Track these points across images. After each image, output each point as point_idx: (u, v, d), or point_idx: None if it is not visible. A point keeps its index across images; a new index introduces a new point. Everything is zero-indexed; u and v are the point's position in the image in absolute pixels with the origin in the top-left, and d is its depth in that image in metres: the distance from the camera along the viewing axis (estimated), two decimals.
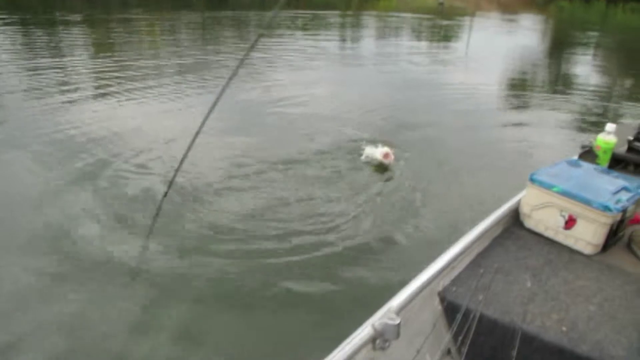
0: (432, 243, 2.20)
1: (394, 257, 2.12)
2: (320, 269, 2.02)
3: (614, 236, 1.36)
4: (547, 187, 1.38)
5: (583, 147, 1.79)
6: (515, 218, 1.47)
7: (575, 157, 1.77)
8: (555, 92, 6.01)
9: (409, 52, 8.38)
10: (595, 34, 12.70)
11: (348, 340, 0.92)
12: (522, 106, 5.21)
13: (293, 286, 1.92)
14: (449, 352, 1.14)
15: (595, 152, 1.70)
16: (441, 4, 23.45)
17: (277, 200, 2.57)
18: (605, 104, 5.67)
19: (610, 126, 1.70)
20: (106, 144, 3.26)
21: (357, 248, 2.17)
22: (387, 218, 2.45)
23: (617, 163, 1.77)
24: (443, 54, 8.43)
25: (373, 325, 0.95)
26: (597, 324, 1.09)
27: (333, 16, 13.48)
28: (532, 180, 1.41)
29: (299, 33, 9.97)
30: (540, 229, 1.42)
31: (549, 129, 4.30)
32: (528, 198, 1.43)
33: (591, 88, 6.57)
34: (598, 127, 4.23)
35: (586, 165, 1.51)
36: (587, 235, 1.33)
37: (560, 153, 2.86)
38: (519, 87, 6.49)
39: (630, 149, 1.77)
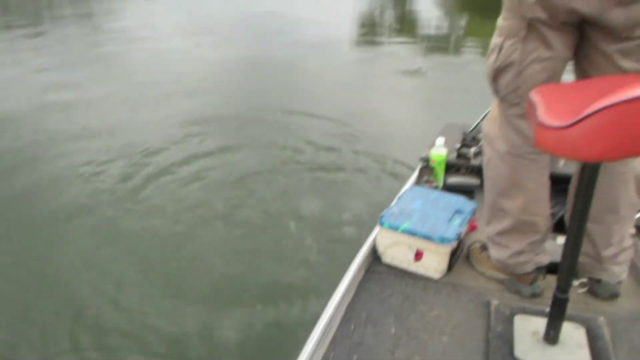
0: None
1: None
2: None
3: (455, 255, 1.59)
4: (394, 228, 1.55)
5: (422, 159, 2.01)
6: (374, 255, 1.64)
7: (417, 172, 2.00)
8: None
9: None
10: None
11: None
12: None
13: None
14: None
15: (431, 165, 1.93)
16: None
17: None
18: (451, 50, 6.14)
19: (439, 140, 1.93)
20: None
21: None
22: None
23: (451, 167, 2.01)
24: None
25: None
26: (451, 357, 1.29)
27: None
28: (381, 223, 1.57)
29: None
30: (395, 262, 1.61)
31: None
32: (380, 239, 1.60)
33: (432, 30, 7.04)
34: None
35: (424, 193, 1.72)
36: (433, 264, 1.54)
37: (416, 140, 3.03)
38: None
39: (459, 155, 2.03)
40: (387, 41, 6.62)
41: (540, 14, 1.21)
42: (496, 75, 1.34)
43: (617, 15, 1.15)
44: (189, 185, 2.95)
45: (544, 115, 1.00)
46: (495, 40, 1.33)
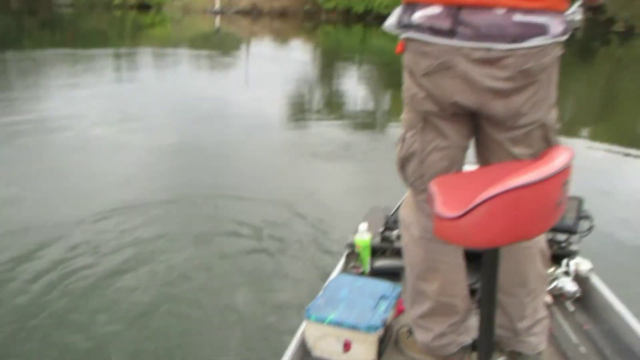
0: None
1: None
2: None
3: (384, 342, 1.59)
4: (321, 320, 1.55)
5: (347, 245, 2.05)
6: (304, 350, 1.61)
7: (343, 258, 2.03)
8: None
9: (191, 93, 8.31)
10: (357, 56, 14.35)
11: None
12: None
13: None
14: None
15: (357, 251, 1.97)
16: (218, 30, 24.12)
17: None
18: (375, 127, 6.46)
19: (362, 225, 1.99)
20: None
21: None
22: None
23: (377, 251, 2.07)
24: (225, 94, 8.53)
25: None
26: None
27: (105, 57, 12.56)
28: (308, 316, 1.56)
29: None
30: (325, 355, 1.58)
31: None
32: (308, 332, 1.59)
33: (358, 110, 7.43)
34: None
35: (350, 281, 1.75)
36: (362, 353, 1.54)
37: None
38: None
39: (383, 238, 2.09)
40: (316, 121, 6.89)
41: (431, 108, 1.34)
42: (403, 164, 1.45)
43: (498, 107, 1.28)
44: (101, 286, 2.75)
45: (440, 206, 1.08)
46: (400, 132, 1.46)
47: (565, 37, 1.26)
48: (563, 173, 1.07)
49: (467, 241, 1.06)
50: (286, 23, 28.11)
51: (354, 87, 10.12)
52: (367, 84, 10.10)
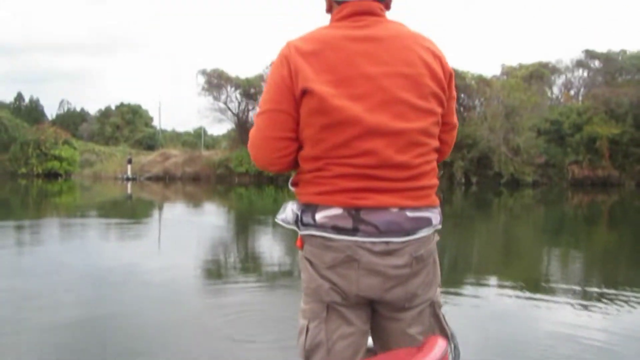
0: None
1: None
2: None
3: None
4: None
5: None
6: None
7: None
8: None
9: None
10: (271, 217, 14.85)
11: None
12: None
13: None
14: None
15: None
16: (129, 196, 24.09)
17: None
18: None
19: None
20: None
21: None
22: None
23: None
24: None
25: None
26: None
27: (4, 229, 11.74)
28: None
29: None
30: None
31: None
32: None
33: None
34: None
35: None
36: None
37: None
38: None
39: None
40: (233, 286, 6.80)
41: (336, 298, 1.41)
42: (308, 357, 1.44)
43: (398, 293, 1.40)
44: None
45: None
46: (301, 322, 1.47)
47: (440, 226, 1.49)
48: None
49: None
50: (199, 187, 28.80)
51: (270, 249, 10.29)
52: (283, 245, 10.35)
